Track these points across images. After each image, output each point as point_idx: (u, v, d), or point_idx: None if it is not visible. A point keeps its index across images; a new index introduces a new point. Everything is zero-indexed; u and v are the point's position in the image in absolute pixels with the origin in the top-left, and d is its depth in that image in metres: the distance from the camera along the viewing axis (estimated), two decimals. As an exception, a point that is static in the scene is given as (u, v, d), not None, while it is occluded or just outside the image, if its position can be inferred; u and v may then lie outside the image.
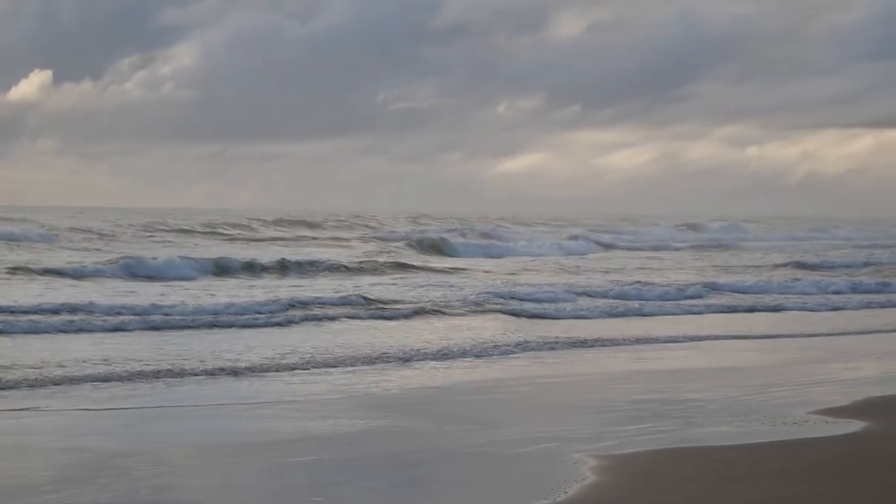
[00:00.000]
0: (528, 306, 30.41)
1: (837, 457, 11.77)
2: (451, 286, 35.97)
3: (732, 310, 31.87)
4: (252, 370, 18.29)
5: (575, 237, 76.86)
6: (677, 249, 71.96)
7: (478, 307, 29.88)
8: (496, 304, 30.72)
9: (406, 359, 20.22)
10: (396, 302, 30.36)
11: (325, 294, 31.23)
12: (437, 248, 61.95)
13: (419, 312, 28.16)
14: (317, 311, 27.42)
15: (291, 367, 18.74)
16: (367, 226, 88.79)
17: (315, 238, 70.45)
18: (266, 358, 19.65)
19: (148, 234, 66.34)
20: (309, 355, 20.16)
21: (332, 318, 26.49)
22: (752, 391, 16.60)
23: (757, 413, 14.57)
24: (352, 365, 19.19)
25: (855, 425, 13.49)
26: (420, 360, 20.17)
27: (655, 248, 72.83)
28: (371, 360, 19.76)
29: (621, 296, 34.40)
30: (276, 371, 18.37)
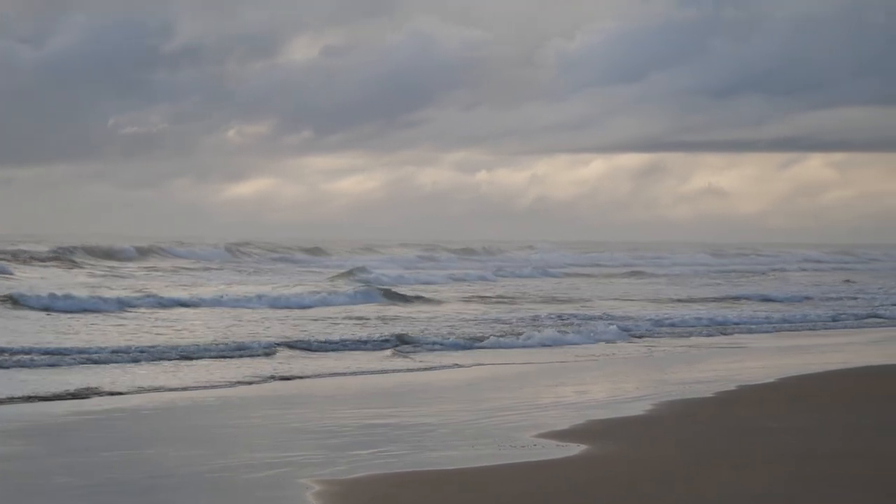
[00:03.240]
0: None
1: (559, 479, 12.16)
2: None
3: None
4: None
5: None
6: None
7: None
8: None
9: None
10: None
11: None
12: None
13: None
14: None
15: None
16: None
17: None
18: None
19: None
20: None
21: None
22: (484, 414, 17.01)
23: (487, 436, 14.93)
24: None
25: (576, 449, 13.94)
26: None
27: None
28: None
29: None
30: None
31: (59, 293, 37.44)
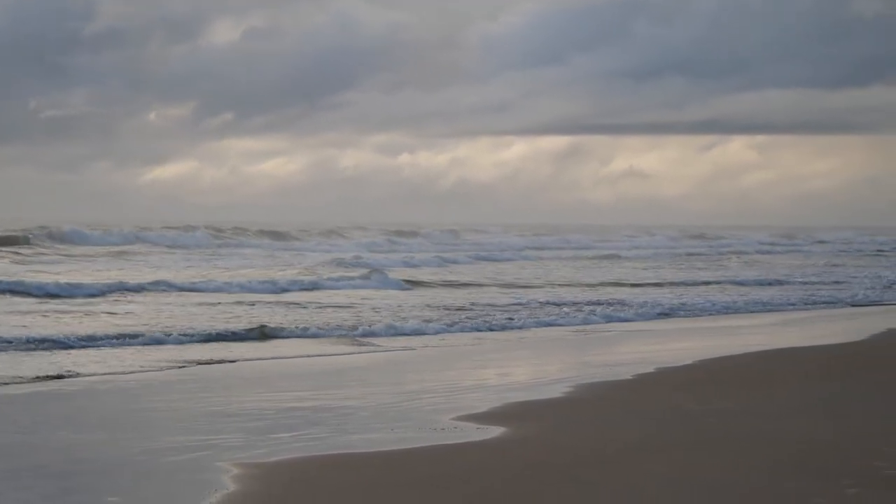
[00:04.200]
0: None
1: (477, 462, 12.32)
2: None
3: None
4: None
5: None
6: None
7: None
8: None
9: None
10: None
11: None
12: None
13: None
14: None
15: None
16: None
17: None
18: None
19: None
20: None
21: None
22: (406, 397, 17.16)
23: (408, 419, 15.10)
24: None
25: (495, 431, 14.11)
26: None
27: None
28: None
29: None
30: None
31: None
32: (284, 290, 40.06)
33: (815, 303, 39.29)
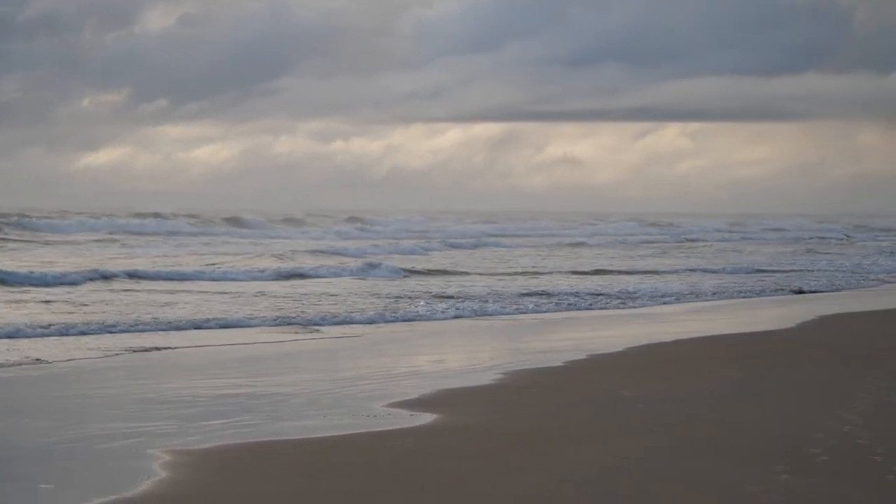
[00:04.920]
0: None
1: (407, 448, 12.46)
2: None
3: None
4: None
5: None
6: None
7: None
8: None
9: None
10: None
11: None
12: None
13: None
14: None
15: None
16: None
17: None
18: None
19: None
20: None
21: None
22: (339, 384, 17.25)
23: (341, 406, 15.20)
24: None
25: (427, 418, 14.25)
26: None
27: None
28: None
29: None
30: None
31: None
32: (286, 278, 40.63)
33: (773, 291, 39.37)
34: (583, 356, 20.35)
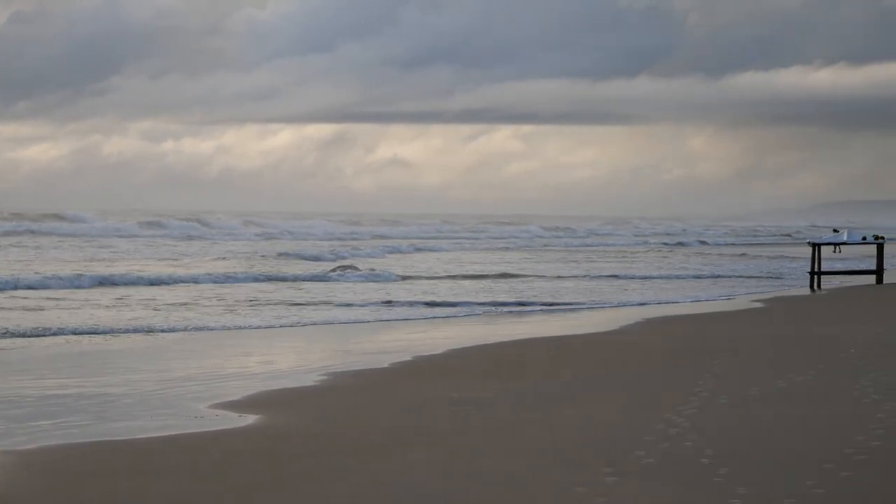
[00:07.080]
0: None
1: (230, 450, 12.56)
2: None
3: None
4: None
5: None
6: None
7: None
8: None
9: None
10: None
11: None
12: None
13: None
14: None
15: None
16: None
17: None
18: None
19: None
20: None
21: None
22: (167, 385, 17.30)
23: (169, 406, 15.29)
24: None
25: (250, 419, 14.37)
26: None
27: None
28: None
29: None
30: None
31: None
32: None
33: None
34: (408, 357, 20.64)
